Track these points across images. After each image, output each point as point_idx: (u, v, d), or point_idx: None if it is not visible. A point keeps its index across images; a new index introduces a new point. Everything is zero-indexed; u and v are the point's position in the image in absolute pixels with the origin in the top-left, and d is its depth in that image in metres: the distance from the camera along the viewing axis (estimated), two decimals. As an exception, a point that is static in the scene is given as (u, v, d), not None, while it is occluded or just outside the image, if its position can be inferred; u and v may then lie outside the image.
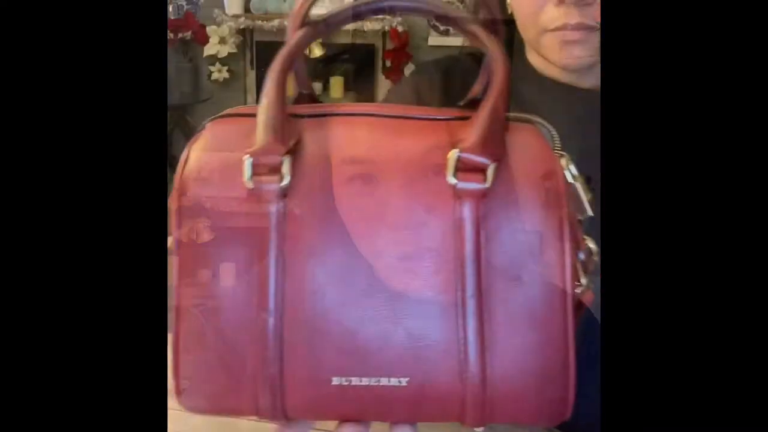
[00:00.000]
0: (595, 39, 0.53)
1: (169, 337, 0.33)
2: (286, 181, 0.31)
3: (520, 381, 0.31)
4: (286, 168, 0.31)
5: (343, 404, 0.31)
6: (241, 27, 3.13)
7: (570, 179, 0.33)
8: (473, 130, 0.31)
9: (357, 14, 0.36)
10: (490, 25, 0.35)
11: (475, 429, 0.33)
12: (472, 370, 0.30)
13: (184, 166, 0.33)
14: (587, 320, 0.54)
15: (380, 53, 3.19)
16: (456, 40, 3.10)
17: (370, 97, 3.31)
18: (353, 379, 0.31)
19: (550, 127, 0.35)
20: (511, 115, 0.34)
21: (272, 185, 0.31)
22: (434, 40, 3.16)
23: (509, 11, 0.63)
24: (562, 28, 0.53)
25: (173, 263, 0.33)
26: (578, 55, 0.54)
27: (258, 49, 3.27)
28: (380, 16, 3.06)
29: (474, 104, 0.34)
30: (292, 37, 0.35)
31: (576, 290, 0.34)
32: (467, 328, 0.30)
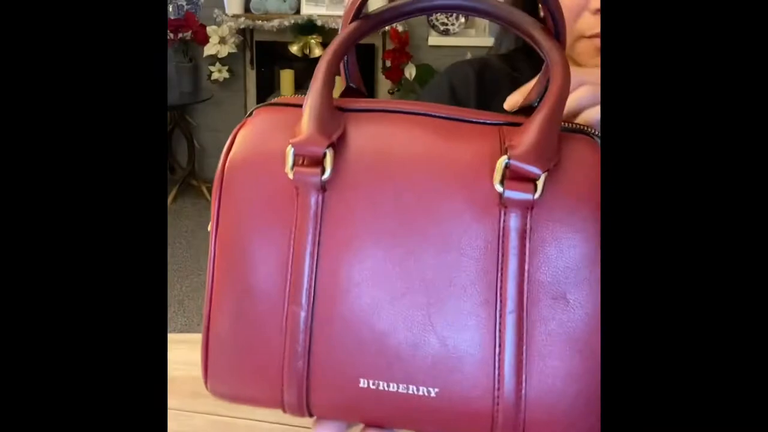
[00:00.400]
0: None
1: (203, 319, 0.33)
2: (327, 174, 0.30)
3: (557, 407, 0.29)
4: (328, 161, 0.30)
5: (369, 408, 0.30)
6: (241, 27, 3.13)
7: None
8: (525, 137, 0.30)
9: (415, 10, 0.35)
10: (553, 30, 0.34)
11: None
12: (506, 389, 0.29)
13: (229, 151, 0.33)
14: None
15: (380, 53, 3.19)
16: (456, 40, 3.11)
17: (369, 97, 3.30)
18: (381, 383, 0.30)
19: None
20: (568, 124, 0.33)
21: (313, 177, 0.30)
22: (434, 40, 3.16)
23: (541, 15, 0.64)
24: (599, 35, 0.55)
25: (211, 246, 0.33)
26: None
27: (258, 49, 3.27)
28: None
29: (529, 111, 0.32)
30: (345, 30, 0.35)
31: None
32: (504, 344, 0.29)
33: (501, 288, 0.29)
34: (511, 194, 0.29)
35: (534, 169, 0.29)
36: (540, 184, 0.29)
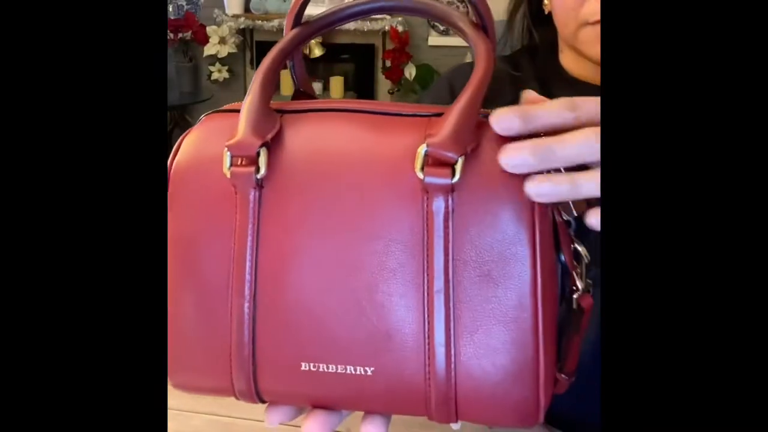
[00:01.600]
0: None
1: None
2: (261, 172, 0.32)
3: (485, 379, 0.31)
4: (262, 160, 0.32)
5: (313, 390, 0.32)
6: (241, 27, 3.14)
7: None
8: (444, 125, 0.31)
9: (351, 15, 0.37)
10: (480, 24, 0.36)
11: (452, 425, 0.33)
12: (437, 364, 0.31)
13: (174, 156, 0.35)
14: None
15: (380, 53, 3.19)
16: (456, 40, 3.11)
17: (370, 97, 3.31)
18: (321, 365, 0.32)
19: None
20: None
21: (248, 175, 0.32)
22: (434, 40, 3.16)
23: (546, 11, 0.64)
24: None
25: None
26: None
27: (258, 49, 3.27)
28: (380, 16, 3.07)
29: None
30: (284, 37, 0.37)
31: (573, 295, 0.34)
32: (434, 322, 0.31)
33: (428, 269, 0.31)
34: (432, 180, 0.30)
35: (450, 155, 0.30)
36: (458, 168, 0.30)
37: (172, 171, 0.34)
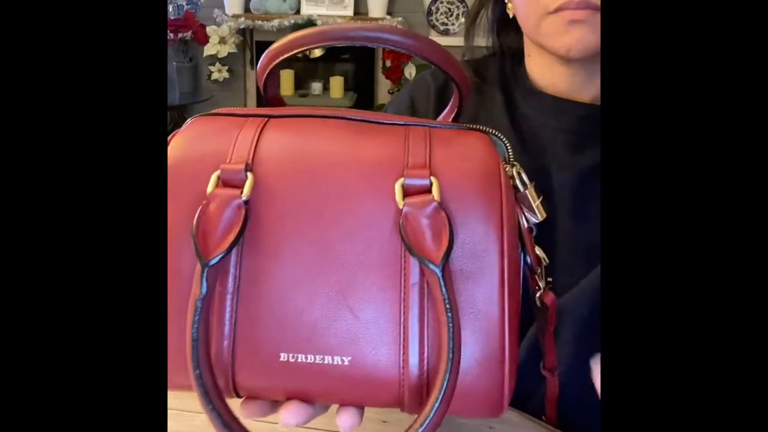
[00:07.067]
0: (599, 21, 0.51)
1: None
2: (247, 189, 0.34)
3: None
4: (247, 185, 0.34)
5: (289, 380, 0.33)
6: (241, 27, 3.14)
7: (520, 188, 0.37)
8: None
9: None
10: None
11: None
12: (410, 354, 0.32)
13: None
14: (577, 320, 0.54)
15: (380, 53, 3.19)
16: (456, 40, 3.11)
17: (370, 97, 3.31)
18: (299, 355, 0.32)
19: (504, 140, 0.38)
20: (468, 126, 0.38)
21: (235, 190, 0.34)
22: (434, 39, 3.16)
23: (511, 15, 0.62)
24: (564, 7, 0.51)
25: None
26: (580, 36, 0.52)
27: (258, 49, 3.27)
28: (380, 15, 3.07)
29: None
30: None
31: (536, 294, 0.38)
32: (408, 314, 0.32)
33: (405, 264, 0.33)
34: (411, 200, 0.33)
35: (425, 182, 0.33)
36: (434, 190, 0.33)
37: None
